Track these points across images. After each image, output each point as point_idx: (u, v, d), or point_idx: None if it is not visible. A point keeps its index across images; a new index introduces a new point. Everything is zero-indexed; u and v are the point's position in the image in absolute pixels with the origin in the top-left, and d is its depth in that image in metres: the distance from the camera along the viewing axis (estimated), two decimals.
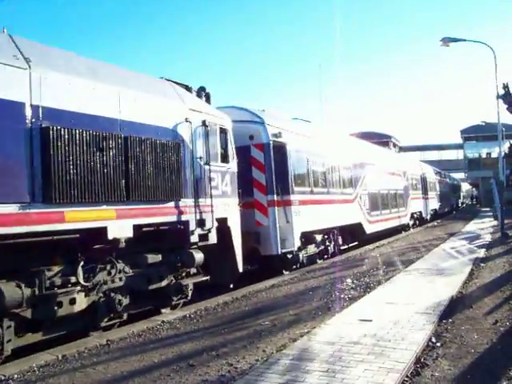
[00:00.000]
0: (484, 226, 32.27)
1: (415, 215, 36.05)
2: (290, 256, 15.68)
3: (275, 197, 14.97)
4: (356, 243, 23.54)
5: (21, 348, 7.95)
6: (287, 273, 15.54)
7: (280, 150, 15.73)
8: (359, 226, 22.58)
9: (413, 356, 6.72)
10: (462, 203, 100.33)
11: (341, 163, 20.98)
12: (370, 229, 23.69)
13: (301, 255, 16.46)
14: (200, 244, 11.36)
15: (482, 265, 15.19)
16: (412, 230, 33.15)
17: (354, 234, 22.59)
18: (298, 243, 15.84)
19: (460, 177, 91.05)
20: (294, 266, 16.32)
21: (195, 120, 11.55)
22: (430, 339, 7.64)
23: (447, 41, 25.10)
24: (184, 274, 11.29)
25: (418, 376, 6.24)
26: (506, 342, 7.56)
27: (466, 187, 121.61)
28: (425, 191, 40.16)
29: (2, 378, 6.71)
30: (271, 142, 15.20)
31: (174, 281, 10.96)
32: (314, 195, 17.72)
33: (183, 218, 10.84)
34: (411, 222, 34.35)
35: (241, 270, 12.86)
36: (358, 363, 6.53)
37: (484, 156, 74.80)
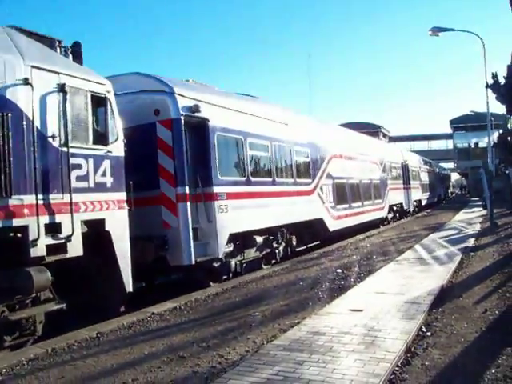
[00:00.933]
0: (473, 216, 32.41)
1: (395, 207, 32.76)
2: (217, 264, 12.63)
3: (187, 189, 11.64)
4: (317, 243, 19.74)
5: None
6: (215, 284, 12.57)
7: (199, 129, 12.45)
8: (320, 222, 19.04)
9: (403, 345, 6.72)
10: (452, 193, 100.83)
11: (295, 148, 17.52)
12: (334, 225, 20.26)
13: (233, 262, 13.40)
14: (52, 259, 8.28)
15: (472, 254, 15.25)
16: (391, 225, 30.21)
17: (314, 232, 19.18)
18: (224, 248, 12.55)
19: (450, 167, 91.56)
20: (225, 276, 13.18)
21: (44, 83, 8.42)
22: (420, 328, 7.66)
23: (436, 30, 25.13)
24: (28, 302, 8.19)
25: (409, 365, 6.25)
26: (495, 330, 7.59)
27: (455, 177, 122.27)
28: (406, 181, 36.81)
29: None
30: (182, 118, 11.78)
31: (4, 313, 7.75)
32: (251, 186, 14.33)
33: (16, 222, 7.73)
34: (390, 216, 31.39)
35: (129, 289, 9.75)
36: (348, 353, 6.52)
37: (473, 146, 75.16)
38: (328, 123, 24.80)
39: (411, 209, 38.24)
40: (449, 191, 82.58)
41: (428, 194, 48.77)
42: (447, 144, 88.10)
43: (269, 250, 15.41)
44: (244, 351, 6.98)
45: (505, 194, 34.08)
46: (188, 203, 11.54)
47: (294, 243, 17.16)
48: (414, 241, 19.55)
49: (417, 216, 37.30)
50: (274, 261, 15.76)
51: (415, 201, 40.75)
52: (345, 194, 22.15)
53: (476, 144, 74.89)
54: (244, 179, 14.11)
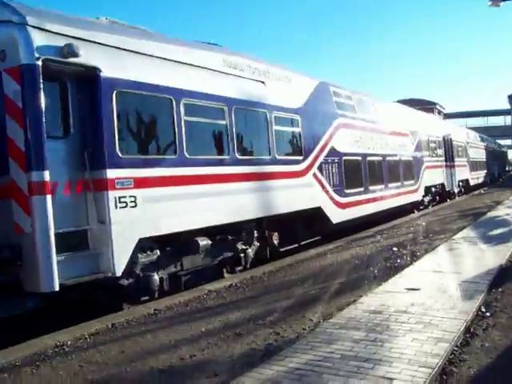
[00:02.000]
0: None
1: (434, 189, 27.95)
2: (126, 282, 8.93)
3: (48, 175, 7.56)
4: (318, 238, 15.35)
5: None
6: (125, 310, 8.91)
7: (80, 82, 8.43)
8: (319, 212, 14.79)
9: (462, 326, 6.62)
10: (509, 171, 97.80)
11: (275, 114, 13.06)
12: (339, 216, 15.78)
13: (155, 279, 9.35)
14: None
15: None
16: (429, 209, 26.10)
17: (312, 224, 14.76)
18: (125, 261, 8.52)
19: (508, 143, 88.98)
20: (145, 298, 9.42)
21: None
22: (479, 309, 7.52)
23: (498, 0, 24.14)
24: None
25: (468, 346, 6.16)
26: None
27: None
28: (450, 158, 31.44)
29: (58, 343, 6.92)
30: (41, 64, 7.59)
31: None
32: (188, 168, 10.07)
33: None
34: (427, 199, 26.41)
35: None
36: (405, 332, 6.48)
37: None
38: (330, 85, 17.41)
39: (456, 190, 33.25)
40: (506, 169, 78.75)
41: (478, 172, 45.05)
42: (505, 120, 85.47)
43: (230, 255, 11.57)
44: (300, 329, 7.00)
45: None
46: (48, 196, 7.53)
47: (276, 242, 12.98)
48: (472, 219, 19.13)
49: (473, 194, 36.41)
50: (239, 268, 12.00)
51: (461, 180, 35.71)
52: (358, 174, 17.71)
53: None
54: (173, 157, 9.78)
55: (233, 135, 11.38)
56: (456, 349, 6.02)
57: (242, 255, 11.92)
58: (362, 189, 17.73)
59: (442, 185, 29.70)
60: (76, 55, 7.95)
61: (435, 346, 5.91)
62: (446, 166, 30.61)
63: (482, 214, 20.69)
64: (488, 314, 7.39)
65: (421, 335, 6.33)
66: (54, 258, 7.46)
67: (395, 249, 13.12)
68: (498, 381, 5.33)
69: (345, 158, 16.52)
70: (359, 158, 17.81)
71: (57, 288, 7.47)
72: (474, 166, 42.36)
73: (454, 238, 14.53)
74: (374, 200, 18.76)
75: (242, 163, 11.61)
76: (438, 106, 44.25)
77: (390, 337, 6.35)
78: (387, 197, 20.11)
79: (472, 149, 42.08)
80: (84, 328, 7.66)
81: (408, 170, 23.10)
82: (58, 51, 7.85)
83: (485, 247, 12.59)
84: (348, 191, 16.59)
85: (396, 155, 21.70)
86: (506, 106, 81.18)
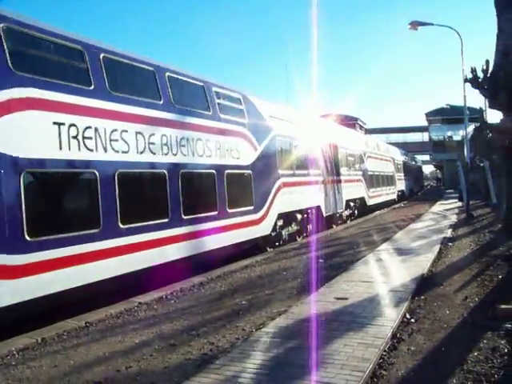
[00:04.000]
0: (449, 207, 32.91)
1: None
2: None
3: None
4: None
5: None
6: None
7: None
8: None
9: (390, 332, 6.92)
10: (427, 185, 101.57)
11: None
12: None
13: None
14: None
15: (450, 244, 15.58)
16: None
17: None
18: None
19: (425, 159, 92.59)
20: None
21: None
22: (404, 315, 7.88)
23: (415, 24, 25.34)
24: None
25: (396, 350, 6.46)
26: (475, 316, 7.85)
27: (430, 169, 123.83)
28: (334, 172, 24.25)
29: None
30: None
31: None
32: None
33: None
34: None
35: None
36: (337, 339, 6.70)
37: (448, 139, 76.11)
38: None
39: (342, 212, 25.95)
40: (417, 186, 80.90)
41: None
42: (423, 136, 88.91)
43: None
44: (234, 338, 7.11)
45: (480, 187, 34.67)
46: None
47: None
48: (394, 231, 19.82)
49: (393, 207, 37.69)
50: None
51: (351, 200, 28.87)
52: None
53: (448, 138, 75.82)
54: None
55: None
56: (385, 353, 6.29)
57: None
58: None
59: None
60: None
61: (366, 351, 6.15)
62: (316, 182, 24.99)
63: (404, 227, 21.46)
64: (413, 320, 7.76)
65: (351, 341, 6.57)
66: None
67: (321, 260, 13.42)
68: (424, 381, 5.61)
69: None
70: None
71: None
72: (374, 181, 36.95)
73: (377, 249, 15.01)
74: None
75: None
76: (359, 121, 45.53)
77: (323, 344, 6.54)
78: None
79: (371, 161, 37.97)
80: (11, 344, 7.44)
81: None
82: None
83: (407, 258, 13.08)
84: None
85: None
86: (422, 123, 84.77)
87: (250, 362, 6.02)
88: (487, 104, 12.65)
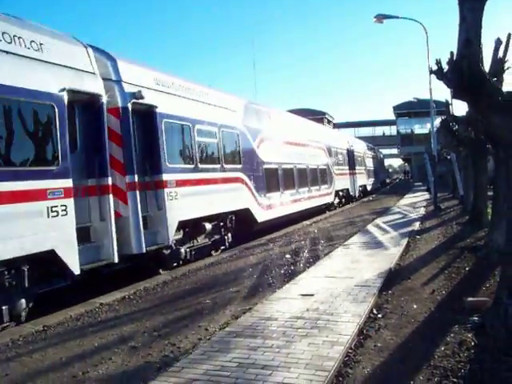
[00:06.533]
0: (417, 200, 33.14)
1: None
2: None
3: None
4: None
5: None
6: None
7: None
8: None
9: (356, 328, 6.77)
10: (395, 178, 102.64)
11: None
12: None
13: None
14: None
15: (418, 237, 15.58)
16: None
17: None
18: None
19: (393, 152, 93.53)
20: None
21: None
22: (371, 311, 7.74)
23: (381, 17, 25.40)
24: None
25: (362, 347, 6.30)
26: (443, 310, 7.76)
27: (398, 162, 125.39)
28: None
29: None
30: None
31: None
32: None
33: None
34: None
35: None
36: (302, 338, 6.52)
37: (416, 132, 76.95)
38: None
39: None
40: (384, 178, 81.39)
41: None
42: (391, 130, 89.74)
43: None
44: (196, 339, 6.89)
45: (447, 179, 34.98)
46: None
47: None
48: (362, 225, 19.78)
49: (362, 201, 37.80)
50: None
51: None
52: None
53: (411, 131, 76.78)
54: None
55: None
56: (350, 351, 6.13)
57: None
58: None
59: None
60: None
61: (331, 350, 5.98)
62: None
63: (372, 220, 21.46)
64: (379, 315, 7.62)
65: (316, 339, 6.40)
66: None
67: (288, 256, 13.28)
68: (390, 378, 5.45)
69: None
70: None
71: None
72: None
73: (345, 243, 14.91)
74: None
75: None
76: (327, 116, 45.61)
77: (287, 343, 6.36)
78: None
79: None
80: None
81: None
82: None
83: (375, 252, 13.01)
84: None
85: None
86: (390, 116, 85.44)
87: (211, 364, 5.79)
88: (452, 95, 12.62)
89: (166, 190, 12.27)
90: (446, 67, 8.03)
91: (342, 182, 31.52)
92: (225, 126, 16.20)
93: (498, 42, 10.95)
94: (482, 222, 15.68)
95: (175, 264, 13.03)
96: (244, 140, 17.65)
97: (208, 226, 14.25)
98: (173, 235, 12.37)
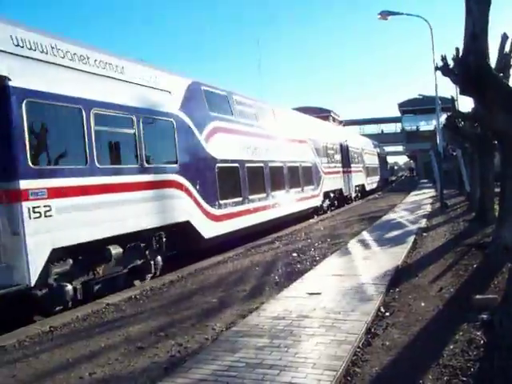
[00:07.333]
0: (423, 197, 33.04)
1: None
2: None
3: None
4: None
5: None
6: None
7: None
8: None
9: (363, 327, 6.72)
10: (401, 176, 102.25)
11: None
12: None
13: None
14: None
15: (425, 234, 15.51)
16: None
17: None
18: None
19: (399, 150, 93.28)
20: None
21: None
22: (379, 309, 7.68)
23: (385, 14, 25.26)
24: None
25: (370, 346, 6.25)
26: (451, 307, 7.69)
27: (404, 159, 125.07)
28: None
29: None
30: None
31: None
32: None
33: None
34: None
35: None
36: (309, 337, 6.47)
37: (421, 129, 76.67)
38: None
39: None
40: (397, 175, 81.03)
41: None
42: (396, 127, 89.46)
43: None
44: (203, 339, 6.85)
45: (453, 175, 34.84)
46: None
47: None
48: (367, 224, 19.72)
49: (367, 199, 37.70)
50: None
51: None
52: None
53: (417, 128, 76.55)
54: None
55: None
56: (358, 350, 6.08)
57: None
58: None
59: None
60: None
61: (338, 349, 5.93)
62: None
63: (378, 218, 21.39)
64: (387, 313, 7.56)
65: (324, 338, 6.35)
66: None
67: (295, 254, 13.24)
68: (399, 377, 5.40)
69: None
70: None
71: None
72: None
73: (352, 241, 14.86)
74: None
75: None
76: (332, 114, 45.47)
77: (294, 342, 6.32)
78: None
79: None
80: None
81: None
82: None
83: (382, 249, 12.96)
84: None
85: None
86: (395, 114, 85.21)
87: (218, 364, 5.75)
88: (458, 91, 12.55)
89: (27, 204, 8.46)
90: (451, 63, 7.99)
91: (333, 182, 27.78)
92: (149, 111, 12.10)
93: (505, 37, 10.88)
94: (488, 219, 15.57)
95: (60, 308, 9.31)
96: (184, 131, 13.51)
97: (116, 250, 10.40)
98: (39, 270, 8.63)
